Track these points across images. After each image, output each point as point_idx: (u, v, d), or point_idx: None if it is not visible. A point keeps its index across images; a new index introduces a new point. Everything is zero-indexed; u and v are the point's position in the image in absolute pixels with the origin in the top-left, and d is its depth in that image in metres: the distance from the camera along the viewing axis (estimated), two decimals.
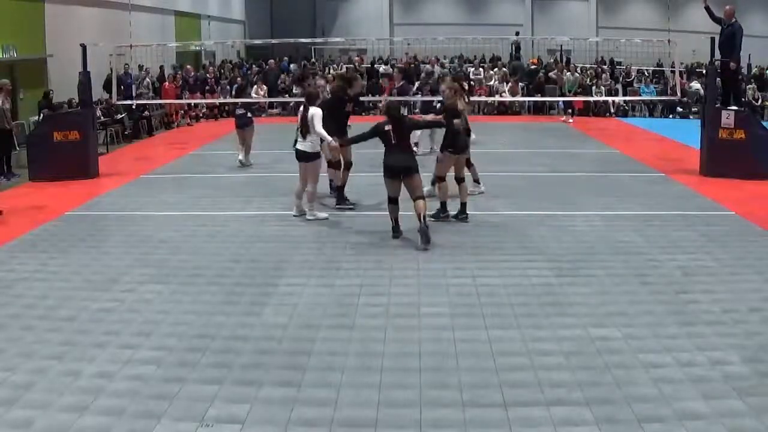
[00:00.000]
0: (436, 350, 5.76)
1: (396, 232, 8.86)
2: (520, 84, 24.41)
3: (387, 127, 8.78)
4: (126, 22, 19.75)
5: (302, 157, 9.87)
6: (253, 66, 28.18)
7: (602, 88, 24.26)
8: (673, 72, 19.35)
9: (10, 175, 13.66)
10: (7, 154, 13.90)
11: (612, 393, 5.03)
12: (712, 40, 13.58)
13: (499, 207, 10.72)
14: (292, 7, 40.05)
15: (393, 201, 8.82)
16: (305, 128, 9.78)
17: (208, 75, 24.50)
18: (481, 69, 26.65)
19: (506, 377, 5.29)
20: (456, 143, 9.69)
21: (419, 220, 8.44)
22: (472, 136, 11.04)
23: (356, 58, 30.21)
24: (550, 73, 24.59)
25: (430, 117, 11.20)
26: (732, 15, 13.47)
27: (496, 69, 26.66)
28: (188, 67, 24.80)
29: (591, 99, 23.36)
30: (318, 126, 9.61)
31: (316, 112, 9.71)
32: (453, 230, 9.35)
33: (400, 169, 8.69)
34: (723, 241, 8.83)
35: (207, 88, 23.70)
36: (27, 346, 5.88)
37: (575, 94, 22.96)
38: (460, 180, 9.92)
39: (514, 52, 29.40)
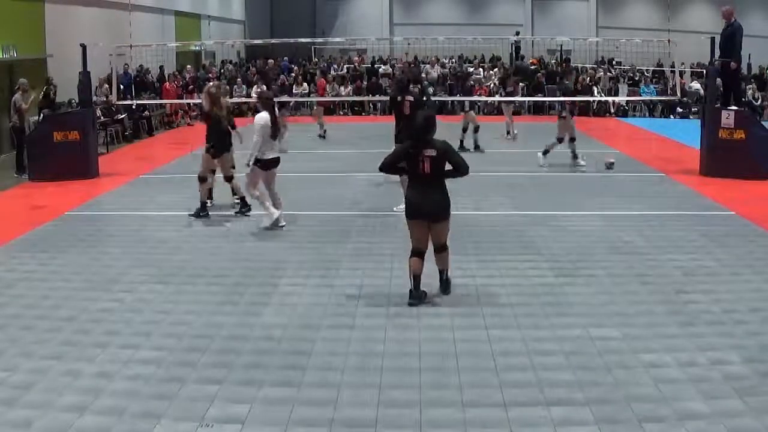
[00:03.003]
0: (436, 350, 5.76)
1: (414, 297, 6.74)
2: (520, 84, 24.38)
3: (416, 152, 6.68)
4: (126, 22, 19.73)
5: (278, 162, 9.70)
6: (251, 67, 28.17)
7: (600, 87, 24.26)
8: (673, 72, 19.35)
9: (22, 173, 13.69)
10: (22, 152, 13.95)
11: (612, 393, 5.03)
12: (712, 40, 13.58)
13: (499, 207, 10.72)
14: (292, 7, 40.04)
15: (417, 254, 6.79)
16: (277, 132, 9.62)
17: (209, 75, 24.51)
18: (480, 69, 26.63)
19: (506, 377, 5.29)
20: (219, 143, 10.13)
21: (440, 275, 7.02)
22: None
23: (356, 58, 30.21)
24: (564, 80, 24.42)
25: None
26: (731, 15, 13.46)
27: (496, 69, 26.65)
28: (188, 67, 24.84)
29: (591, 99, 23.35)
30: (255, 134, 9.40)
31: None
32: (453, 230, 9.33)
33: (430, 212, 6.72)
34: (723, 241, 8.83)
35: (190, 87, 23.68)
36: (27, 346, 5.88)
37: (572, 94, 22.95)
38: (228, 179, 10.36)
39: (514, 53, 29.39)
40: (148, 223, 9.95)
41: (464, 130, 16.07)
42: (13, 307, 6.76)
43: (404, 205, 7.03)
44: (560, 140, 13.93)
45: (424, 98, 11.25)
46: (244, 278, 7.57)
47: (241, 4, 37.14)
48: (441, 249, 6.90)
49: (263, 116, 9.38)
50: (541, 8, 40.25)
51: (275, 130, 9.50)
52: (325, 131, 18.77)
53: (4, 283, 7.47)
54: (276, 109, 9.76)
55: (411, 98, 10.66)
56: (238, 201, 10.38)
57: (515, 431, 4.59)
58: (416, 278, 6.77)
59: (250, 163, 9.34)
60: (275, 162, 9.57)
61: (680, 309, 6.60)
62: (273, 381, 5.27)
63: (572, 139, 13.88)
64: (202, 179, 10.21)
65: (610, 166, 13.80)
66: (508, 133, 18.06)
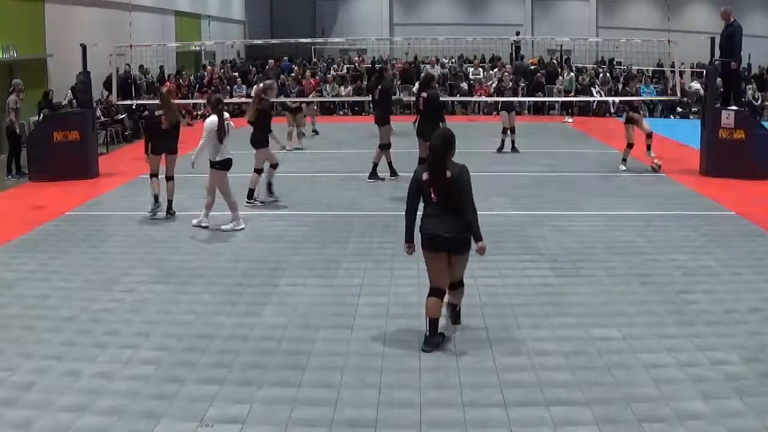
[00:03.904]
0: (437, 350, 5.75)
1: (429, 344, 5.78)
2: (520, 84, 24.40)
3: (425, 176, 5.82)
4: (126, 22, 19.71)
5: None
6: (251, 67, 28.18)
7: (598, 87, 24.24)
8: (673, 72, 19.35)
9: (19, 175, 13.67)
10: (16, 153, 13.91)
11: (612, 393, 5.04)
12: (712, 40, 13.58)
13: (499, 207, 10.71)
14: (292, 7, 40.02)
15: (436, 293, 5.83)
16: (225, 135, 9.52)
17: (212, 75, 24.58)
18: (480, 69, 26.63)
19: (506, 377, 5.29)
20: (157, 144, 10.26)
21: (452, 308, 6.23)
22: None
23: (356, 58, 30.20)
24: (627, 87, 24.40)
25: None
26: (729, 16, 13.45)
27: (496, 69, 26.63)
28: (208, 68, 24.99)
29: (590, 99, 23.35)
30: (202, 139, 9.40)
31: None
32: None
33: (445, 241, 5.77)
34: (723, 241, 8.83)
35: (212, 88, 23.75)
36: (27, 346, 5.88)
37: (574, 94, 22.96)
38: (169, 178, 10.33)
39: (514, 53, 29.39)
40: (148, 223, 9.95)
41: (512, 131, 16.24)
42: (13, 307, 6.76)
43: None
44: (631, 145, 13.80)
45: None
46: (244, 278, 7.57)
47: (241, 4, 37.14)
48: (457, 285, 6.05)
49: (212, 120, 9.41)
50: (541, 8, 40.24)
51: (221, 134, 9.40)
52: (314, 131, 18.99)
53: (4, 283, 7.47)
54: (225, 113, 9.65)
55: (425, 95, 11.34)
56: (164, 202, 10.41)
57: (515, 431, 4.59)
58: (434, 321, 5.80)
59: (194, 165, 9.36)
60: (230, 163, 9.58)
61: (680, 309, 6.60)
62: (273, 381, 5.27)
63: (629, 145, 13.74)
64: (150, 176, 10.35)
65: (657, 168, 13.67)
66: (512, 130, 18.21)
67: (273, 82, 12.94)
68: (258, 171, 10.90)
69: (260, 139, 10.80)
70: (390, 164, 12.59)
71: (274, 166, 11.06)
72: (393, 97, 14.93)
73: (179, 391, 5.10)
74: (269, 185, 11.08)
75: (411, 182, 5.95)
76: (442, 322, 5.88)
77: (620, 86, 25.08)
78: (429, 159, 5.93)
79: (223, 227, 9.46)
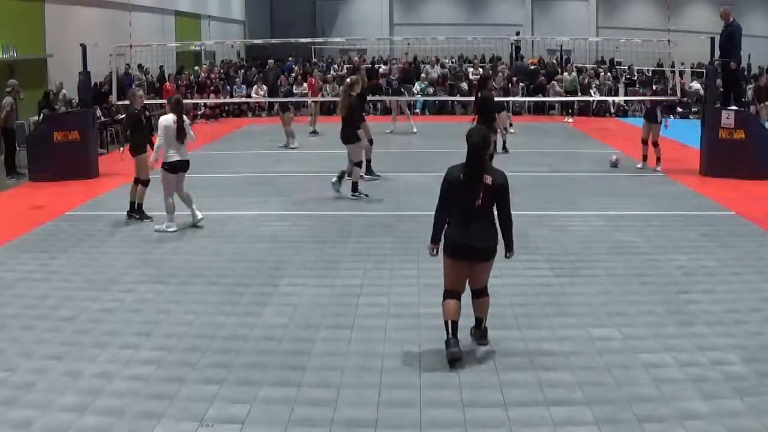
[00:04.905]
0: (436, 350, 5.75)
1: (452, 345, 5.51)
2: (520, 84, 24.41)
3: (461, 177, 5.51)
4: (126, 22, 19.74)
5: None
6: (252, 68, 28.20)
7: (596, 86, 24.24)
8: (673, 72, 19.34)
9: (16, 175, 13.66)
10: (13, 154, 13.92)
11: (612, 393, 5.03)
12: (712, 40, 13.59)
13: None
14: (292, 7, 40.02)
15: (452, 295, 5.65)
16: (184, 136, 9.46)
17: (212, 75, 24.59)
18: (480, 69, 26.63)
19: (506, 377, 5.29)
20: (135, 143, 10.20)
21: (477, 324, 5.90)
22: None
23: (356, 58, 30.20)
24: (554, 81, 24.36)
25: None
26: (728, 16, 13.46)
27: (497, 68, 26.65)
28: (215, 69, 25.11)
29: (590, 99, 23.35)
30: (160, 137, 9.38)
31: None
32: None
33: (473, 251, 5.56)
34: (723, 241, 8.83)
35: (212, 88, 23.79)
36: (27, 346, 5.88)
37: (573, 93, 22.97)
38: (145, 182, 10.15)
39: (514, 53, 29.42)
40: (148, 223, 9.94)
41: (505, 130, 16.17)
42: (13, 307, 6.76)
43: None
44: (644, 141, 13.82)
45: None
46: (244, 278, 7.56)
47: (241, 4, 37.15)
48: (481, 293, 5.76)
49: (167, 118, 9.43)
50: (541, 8, 40.23)
51: (181, 133, 9.37)
52: (313, 131, 19.19)
53: (4, 283, 7.47)
54: (184, 113, 9.70)
55: (480, 95, 12.05)
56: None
57: (515, 431, 4.59)
58: (453, 324, 5.56)
59: (153, 166, 9.41)
60: (182, 165, 9.50)
61: (680, 309, 6.60)
62: (273, 381, 5.27)
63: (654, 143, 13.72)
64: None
65: (615, 164, 13.83)
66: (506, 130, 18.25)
67: (359, 78, 12.60)
68: (358, 164, 11.14)
69: (350, 134, 10.95)
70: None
71: (358, 164, 11.23)
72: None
73: (179, 391, 5.10)
74: (354, 184, 11.19)
75: (443, 183, 5.57)
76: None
77: (620, 87, 25.20)
78: (468, 160, 5.50)
79: (156, 227, 9.47)
